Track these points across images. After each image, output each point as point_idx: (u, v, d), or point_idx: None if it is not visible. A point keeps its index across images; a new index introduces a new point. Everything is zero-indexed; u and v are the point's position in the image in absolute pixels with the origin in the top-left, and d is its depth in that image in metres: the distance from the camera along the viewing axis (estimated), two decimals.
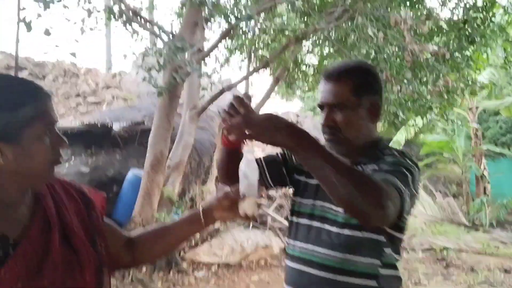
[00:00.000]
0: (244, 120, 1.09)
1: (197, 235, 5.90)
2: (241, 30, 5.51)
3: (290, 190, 1.64)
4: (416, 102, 6.45)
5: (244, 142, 1.26)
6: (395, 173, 1.26)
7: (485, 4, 5.58)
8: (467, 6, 5.34)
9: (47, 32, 4.19)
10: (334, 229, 1.40)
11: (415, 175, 1.33)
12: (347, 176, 1.08)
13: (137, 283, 4.80)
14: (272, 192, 8.86)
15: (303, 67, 8.91)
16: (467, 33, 5.45)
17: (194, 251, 5.81)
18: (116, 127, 7.17)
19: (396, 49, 5.67)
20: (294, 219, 1.54)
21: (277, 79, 8.21)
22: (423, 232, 9.09)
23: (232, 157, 1.41)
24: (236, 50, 8.05)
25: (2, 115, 0.94)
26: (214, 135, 7.73)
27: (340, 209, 1.40)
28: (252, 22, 6.76)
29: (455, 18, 5.72)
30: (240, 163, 1.22)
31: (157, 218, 5.47)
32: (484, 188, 11.43)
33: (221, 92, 5.92)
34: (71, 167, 6.61)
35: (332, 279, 1.37)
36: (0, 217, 0.98)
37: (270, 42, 7.92)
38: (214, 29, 13.27)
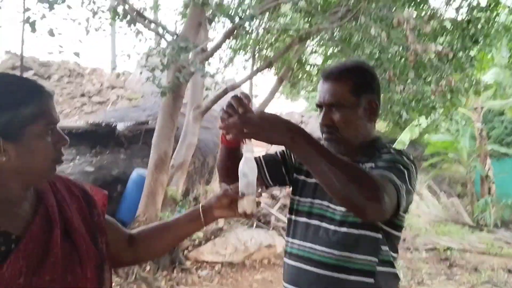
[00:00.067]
0: (241, 119, 1.10)
1: (201, 234, 5.94)
2: (244, 30, 5.51)
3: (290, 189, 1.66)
4: (420, 102, 6.44)
5: (243, 141, 1.28)
6: (391, 169, 1.28)
7: (489, 4, 5.57)
8: (471, 6, 5.33)
9: (51, 33, 4.23)
10: (331, 227, 1.42)
11: (412, 172, 1.34)
12: (343, 171, 1.09)
13: (141, 282, 4.82)
14: (276, 192, 8.87)
15: (307, 67, 8.93)
16: (470, 33, 5.43)
17: (197, 250, 5.83)
18: (120, 126, 7.21)
19: (400, 48, 5.66)
20: (293, 217, 1.56)
21: (281, 79, 8.22)
22: (427, 232, 9.08)
23: (231, 156, 1.43)
24: (240, 50, 8.06)
25: (4, 113, 0.96)
26: (218, 135, 7.72)
27: (338, 207, 1.41)
28: (256, 22, 6.78)
29: (459, 18, 5.71)
30: (240, 162, 1.24)
31: (161, 218, 5.49)
32: (489, 188, 11.39)
33: (225, 92, 5.94)
34: (76, 166, 6.64)
35: (330, 276, 1.39)
36: (3, 213, 0.99)
37: (274, 42, 7.94)
38: (218, 29, 13.31)
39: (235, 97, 1.15)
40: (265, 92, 8.34)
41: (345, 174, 1.09)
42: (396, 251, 1.45)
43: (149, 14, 5.93)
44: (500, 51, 10.08)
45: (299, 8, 5.61)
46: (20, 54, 4.28)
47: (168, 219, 1.38)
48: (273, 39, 7.87)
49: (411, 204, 1.41)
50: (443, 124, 9.96)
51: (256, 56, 8.32)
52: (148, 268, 5.11)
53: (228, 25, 5.41)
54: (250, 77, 7.15)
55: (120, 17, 5.30)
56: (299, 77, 9.20)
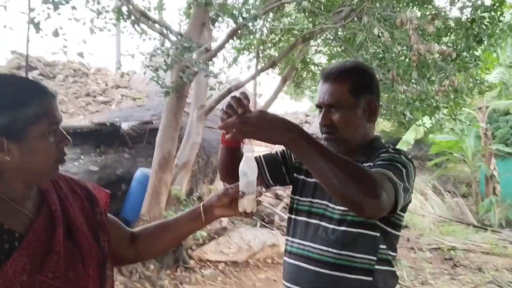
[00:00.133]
0: (240, 119, 1.12)
1: (205, 234, 5.96)
2: (247, 30, 5.52)
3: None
4: (423, 102, 6.43)
5: (242, 141, 1.29)
6: (389, 168, 1.29)
7: (493, 3, 5.55)
8: (475, 5, 5.31)
9: (55, 33, 4.25)
10: (330, 225, 1.44)
11: (410, 171, 1.35)
12: (341, 168, 1.10)
13: (145, 280, 4.84)
14: (279, 191, 8.90)
15: (312, 67, 8.93)
16: (474, 32, 5.41)
17: (201, 249, 5.85)
18: (125, 126, 7.24)
19: (404, 48, 5.66)
20: (293, 216, 1.57)
21: (285, 78, 8.22)
22: (431, 231, 9.07)
23: (232, 155, 1.45)
24: (244, 50, 8.07)
25: (8, 114, 0.98)
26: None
27: (337, 206, 1.43)
28: (260, 22, 6.79)
29: (464, 17, 5.69)
30: (240, 161, 1.26)
31: (164, 217, 5.51)
32: (494, 188, 11.35)
33: (229, 91, 5.95)
34: (81, 165, 6.67)
35: (329, 275, 1.41)
36: (7, 212, 1.01)
37: (278, 42, 7.94)
38: (222, 29, 13.33)
39: (235, 98, 1.16)
40: (269, 92, 8.35)
41: (344, 172, 1.10)
42: (395, 250, 1.47)
43: (153, 14, 5.95)
44: (505, 51, 10.06)
45: (302, 8, 5.60)
46: (25, 54, 4.30)
47: (170, 217, 1.39)
48: (277, 39, 7.87)
49: (409, 203, 1.42)
50: (447, 124, 9.92)
51: (260, 55, 8.33)
52: (151, 267, 5.13)
53: (232, 24, 5.40)
54: (254, 77, 7.16)
55: (124, 18, 5.33)
56: (303, 76, 9.20)
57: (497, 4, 5.58)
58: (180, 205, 5.98)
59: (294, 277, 1.50)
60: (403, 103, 6.58)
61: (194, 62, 4.87)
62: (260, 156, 1.64)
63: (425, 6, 5.82)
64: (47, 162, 1.05)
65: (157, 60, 5.31)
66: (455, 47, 5.57)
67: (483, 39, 5.53)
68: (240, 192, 1.24)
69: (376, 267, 1.40)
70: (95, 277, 1.11)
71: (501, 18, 5.85)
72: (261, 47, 8.01)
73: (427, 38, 5.37)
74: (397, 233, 1.46)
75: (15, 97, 1.00)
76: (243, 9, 4.82)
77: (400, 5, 5.46)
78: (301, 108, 16.33)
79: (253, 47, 8.08)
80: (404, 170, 1.32)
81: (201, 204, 1.33)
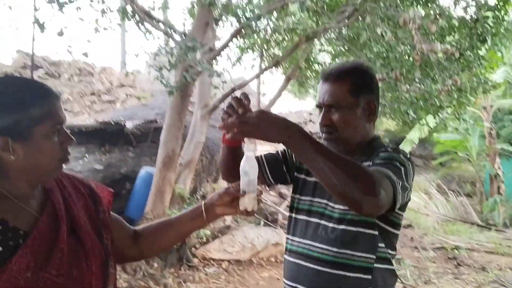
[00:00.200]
0: (239, 119, 1.13)
1: (208, 232, 5.98)
2: (251, 30, 5.53)
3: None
4: (427, 101, 6.42)
5: (243, 141, 1.30)
6: (388, 166, 1.30)
7: (497, 3, 5.53)
8: (479, 5, 5.29)
9: (60, 34, 4.29)
10: (330, 224, 1.45)
11: (409, 170, 1.36)
12: (340, 166, 1.11)
13: (149, 278, 4.87)
14: (284, 190, 8.90)
15: (315, 66, 8.93)
16: (478, 32, 5.40)
17: (205, 248, 5.88)
18: (129, 125, 7.28)
19: (408, 47, 5.65)
20: (293, 215, 1.59)
21: (289, 77, 8.23)
22: (435, 231, 9.05)
23: (233, 155, 1.46)
24: (248, 49, 8.08)
25: (13, 114, 1.00)
26: None
27: (336, 205, 1.44)
28: (264, 21, 6.80)
29: (467, 16, 5.68)
30: (241, 160, 1.27)
31: (168, 215, 5.53)
32: (498, 188, 11.32)
33: (233, 90, 5.97)
34: (85, 164, 6.71)
35: (329, 273, 1.42)
36: (12, 210, 1.03)
37: (281, 41, 7.95)
38: (226, 28, 13.33)
39: (235, 98, 1.18)
40: (273, 91, 8.36)
41: (342, 170, 1.11)
42: (394, 249, 1.48)
43: (157, 14, 5.98)
44: (509, 50, 10.01)
45: (305, 7, 5.61)
46: (31, 53, 4.33)
47: (172, 216, 1.41)
48: (280, 38, 7.88)
49: (408, 201, 1.43)
50: (451, 123, 9.89)
51: (264, 55, 8.34)
52: (155, 265, 5.16)
53: (236, 24, 5.43)
54: (258, 76, 7.17)
55: (128, 17, 5.35)
56: (307, 75, 9.21)
57: (501, 4, 5.57)
58: (184, 203, 6.01)
59: (295, 275, 1.51)
60: (406, 102, 6.57)
61: (198, 61, 4.89)
62: (261, 155, 1.65)
63: (429, 5, 5.82)
64: (51, 161, 1.07)
65: (161, 60, 5.34)
66: (459, 46, 5.56)
67: (487, 38, 5.51)
68: (241, 191, 1.25)
69: (375, 265, 1.41)
70: (98, 275, 1.13)
71: (505, 18, 5.83)
72: (265, 46, 8.02)
73: (430, 38, 5.36)
74: (396, 231, 1.48)
75: (20, 98, 1.02)
76: (247, 9, 4.84)
77: (404, 4, 5.46)
78: (305, 107, 16.35)
79: (257, 46, 8.10)
80: (402, 169, 1.33)
81: (203, 202, 1.34)
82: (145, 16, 5.45)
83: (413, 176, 1.41)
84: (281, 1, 5.14)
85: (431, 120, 7.91)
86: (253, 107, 1.17)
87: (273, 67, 6.93)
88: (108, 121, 7.47)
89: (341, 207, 1.43)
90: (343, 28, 6.22)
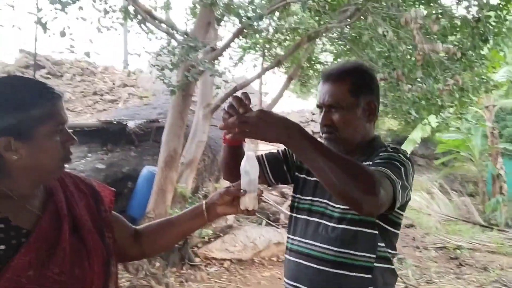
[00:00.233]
0: (240, 119, 1.13)
1: (210, 231, 5.99)
2: (253, 30, 5.54)
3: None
4: (429, 101, 6.42)
5: (243, 140, 1.31)
6: (387, 165, 1.31)
7: (499, 2, 5.52)
8: (481, 4, 5.28)
9: (62, 34, 4.30)
10: (330, 224, 1.46)
11: (408, 169, 1.37)
12: (340, 166, 1.12)
13: (151, 278, 4.88)
14: (285, 190, 8.90)
15: (317, 66, 8.93)
16: (480, 31, 5.39)
17: (207, 247, 5.88)
18: (131, 124, 7.29)
19: (410, 47, 5.65)
20: (294, 215, 1.60)
21: (291, 77, 8.23)
22: (437, 230, 9.03)
23: (233, 154, 1.47)
24: (250, 49, 8.09)
25: (16, 114, 1.02)
26: None
27: (337, 205, 1.45)
28: (266, 21, 6.80)
29: (469, 16, 5.66)
30: (242, 160, 1.28)
31: (170, 214, 5.54)
32: (500, 187, 11.27)
33: (235, 90, 5.96)
34: (88, 163, 6.72)
35: (329, 272, 1.43)
36: (14, 208, 1.04)
37: (283, 41, 7.95)
38: (229, 27, 13.32)
39: (236, 98, 1.18)
40: (275, 90, 8.37)
41: (342, 169, 1.11)
42: (394, 248, 1.49)
43: (160, 14, 5.99)
44: None
45: (306, 7, 5.61)
46: (33, 53, 4.35)
47: (173, 215, 1.42)
48: (282, 38, 7.88)
49: (409, 201, 1.43)
50: (453, 123, 9.87)
51: (266, 54, 8.34)
52: (157, 264, 5.16)
53: (238, 23, 5.43)
54: (259, 75, 7.17)
55: (131, 17, 5.36)
56: (309, 75, 9.20)
57: (503, 3, 5.55)
58: (186, 203, 6.01)
59: (295, 275, 1.52)
60: (408, 102, 6.56)
61: (199, 61, 4.90)
62: (262, 155, 1.66)
63: (431, 4, 5.80)
64: (53, 161, 1.08)
65: (163, 59, 5.35)
66: (461, 46, 5.55)
67: (489, 38, 5.50)
68: (241, 190, 1.26)
69: (375, 264, 1.42)
70: (100, 274, 1.13)
71: (507, 17, 5.82)
72: (267, 46, 8.02)
73: (432, 37, 5.36)
74: (395, 231, 1.48)
75: (23, 98, 1.03)
76: (249, 9, 4.84)
77: (405, 4, 5.45)
78: (307, 106, 16.29)
79: (258, 46, 8.10)
80: (402, 168, 1.34)
81: (204, 202, 1.35)
82: (147, 16, 5.46)
83: (413, 175, 1.41)
84: (283, 0, 5.14)
85: (433, 120, 7.89)
86: (255, 106, 1.17)
87: (275, 67, 6.93)
88: (110, 121, 7.48)
89: (341, 206, 1.43)
90: (345, 27, 6.22)
